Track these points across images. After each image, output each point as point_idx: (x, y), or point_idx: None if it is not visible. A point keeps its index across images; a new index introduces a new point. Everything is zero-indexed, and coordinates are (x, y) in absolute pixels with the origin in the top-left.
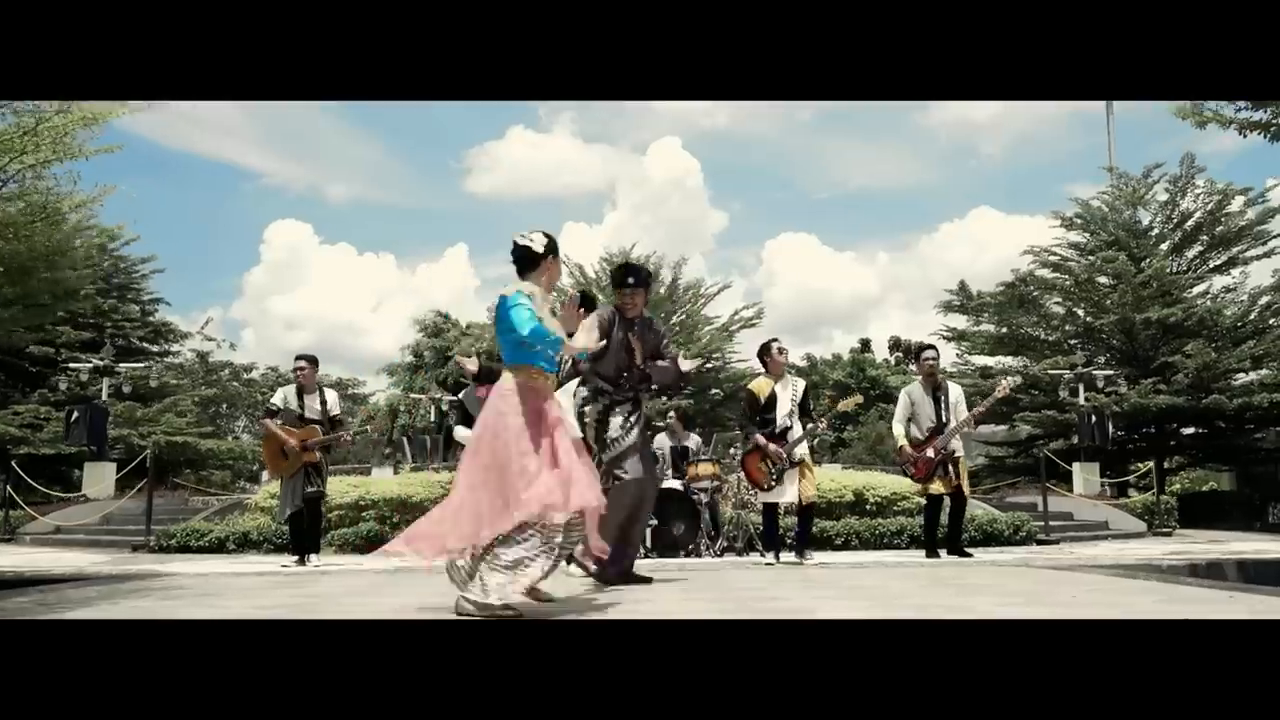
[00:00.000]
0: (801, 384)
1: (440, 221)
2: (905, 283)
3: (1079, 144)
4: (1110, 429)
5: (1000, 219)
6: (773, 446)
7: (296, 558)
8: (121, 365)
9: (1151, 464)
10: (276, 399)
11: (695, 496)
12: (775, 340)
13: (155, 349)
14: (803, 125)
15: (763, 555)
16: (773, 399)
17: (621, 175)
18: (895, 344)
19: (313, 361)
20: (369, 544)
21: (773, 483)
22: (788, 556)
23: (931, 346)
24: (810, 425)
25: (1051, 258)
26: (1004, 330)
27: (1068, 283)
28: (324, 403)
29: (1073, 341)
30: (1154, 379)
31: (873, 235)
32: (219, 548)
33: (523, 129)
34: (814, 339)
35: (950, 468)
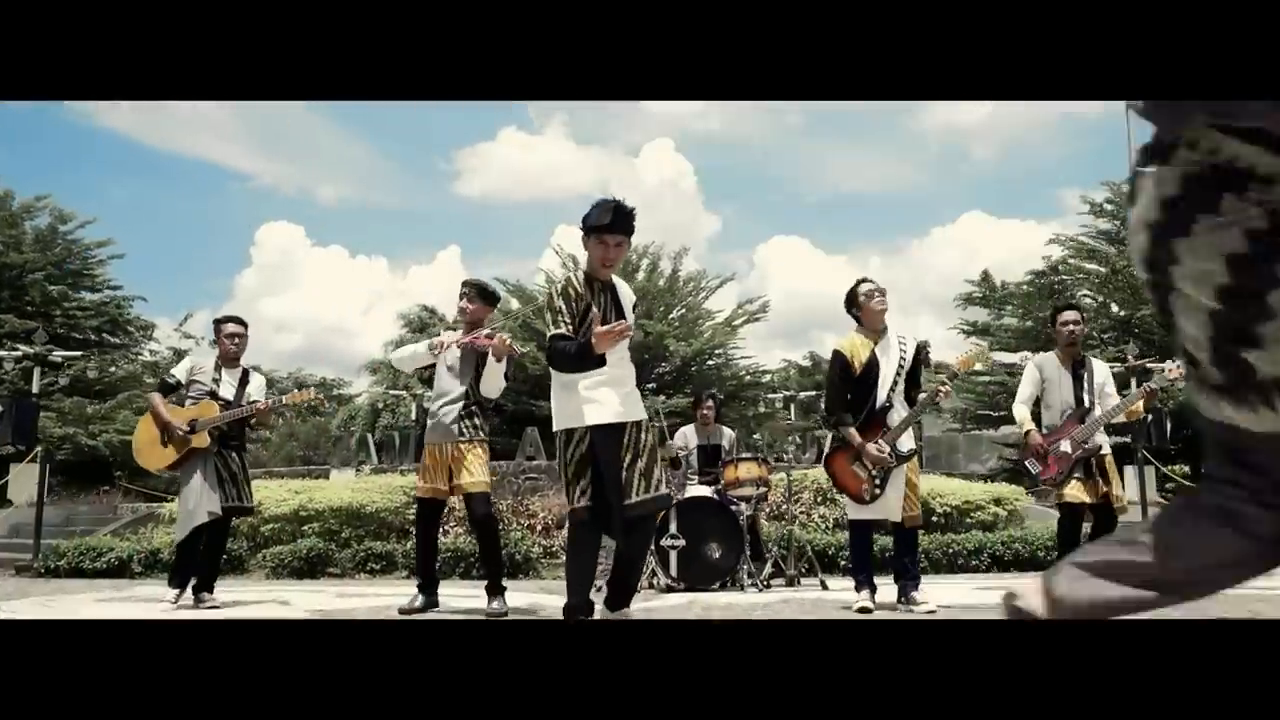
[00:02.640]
0: (912, 344)
1: (431, 224)
2: (897, 287)
3: (1070, 148)
4: (1169, 429)
5: (991, 223)
6: (871, 446)
7: (180, 590)
8: (57, 353)
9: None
10: (179, 371)
11: (735, 508)
12: (865, 280)
13: (117, 341)
14: (794, 128)
15: (823, 587)
16: (873, 366)
17: (614, 177)
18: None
19: (246, 327)
20: (309, 566)
21: (876, 491)
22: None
23: (1074, 307)
24: (924, 396)
25: (1081, 247)
26: (1029, 324)
27: (1104, 271)
28: (244, 384)
29: (1105, 335)
30: None
31: (865, 239)
32: (120, 569)
33: (514, 130)
34: (805, 343)
35: (1096, 469)
